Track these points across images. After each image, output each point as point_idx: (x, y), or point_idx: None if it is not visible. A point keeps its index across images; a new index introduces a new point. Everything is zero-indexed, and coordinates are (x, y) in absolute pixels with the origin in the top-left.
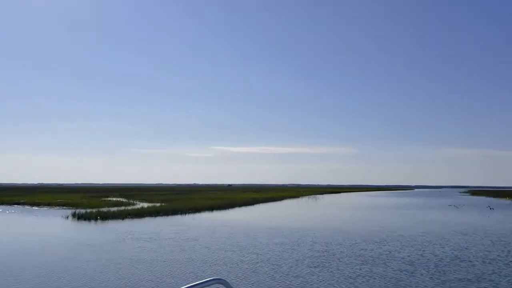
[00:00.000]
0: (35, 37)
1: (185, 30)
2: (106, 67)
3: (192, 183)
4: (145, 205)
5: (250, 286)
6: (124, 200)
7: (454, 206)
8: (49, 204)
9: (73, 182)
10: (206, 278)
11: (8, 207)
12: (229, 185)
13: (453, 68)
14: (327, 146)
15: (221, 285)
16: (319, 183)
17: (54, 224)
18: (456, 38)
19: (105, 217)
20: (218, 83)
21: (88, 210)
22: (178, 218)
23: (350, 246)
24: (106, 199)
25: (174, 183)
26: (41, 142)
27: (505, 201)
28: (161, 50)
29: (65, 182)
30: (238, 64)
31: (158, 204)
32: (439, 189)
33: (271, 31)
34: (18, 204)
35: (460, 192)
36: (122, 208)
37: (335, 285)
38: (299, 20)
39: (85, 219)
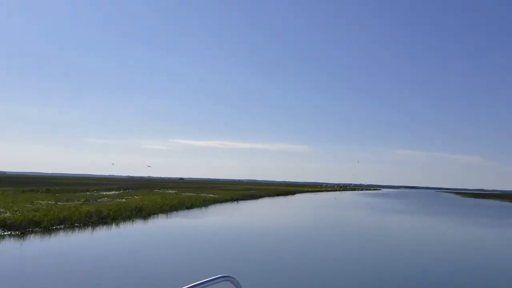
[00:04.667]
0: None
1: (142, 23)
2: (58, 55)
3: (147, 175)
4: None
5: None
6: None
7: None
8: None
9: (19, 171)
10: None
11: None
12: (181, 178)
13: (406, 73)
14: (283, 143)
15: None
16: (276, 180)
17: None
18: (420, 41)
19: None
20: (177, 77)
21: None
22: None
23: None
24: None
25: (127, 175)
26: None
27: None
28: (120, 43)
29: (12, 170)
30: (197, 58)
31: None
32: (397, 189)
33: (230, 26)
34: None
35: (459, 195)
36: None
37: None
38: (260, 15)
39: None
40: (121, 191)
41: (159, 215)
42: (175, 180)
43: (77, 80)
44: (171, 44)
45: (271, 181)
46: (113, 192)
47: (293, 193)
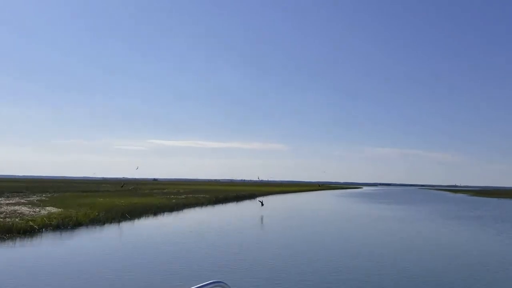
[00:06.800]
0: None
1: (114, 22)
2: (28, 54)
3: (122, 177)
4: None
5: None
6: None
7: None
8: None
9: None
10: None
11: None
12: (155, 179)
13: (382, 71)
14: (259, 142)
15: None
16: (252, 179)
17: None
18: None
19: None
20: (150, 76)
21: None
22: None
23: None
24: None
25: (102, 176)
26: None
27: None
28: (91, 43)
29: None
30: (171, 57)
31: None
32: (376, 186)
33: (205, 23)
34: None
35: (459, 193)
36: None
37: None
38: (234, 11)
39: None
40: None
41: None
42: (148, 181)
43: (47, 80)
44: (145, 43)
45: (248, 180)
46: None
47: (253, 196)
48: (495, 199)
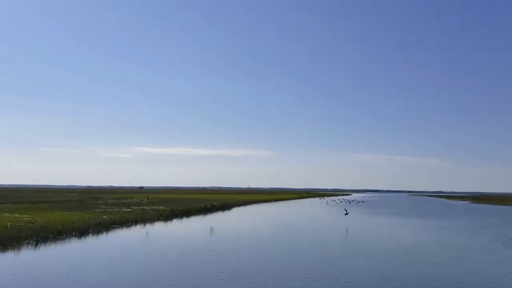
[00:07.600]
0: None
1: (99, 29)
2: (13, 63)
3: (108, 185)
4: None
5: None
6: None
7: None
8: None
9: None
10: None
11: None
12: (141, 187)
13: (366, 80)
14: (245, 148)
15: None
16: (241, 186)
17: None
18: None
19: None
20: (135, 83)
21: None
22: None
23: None
24: None
25: (87, 185)
26: None
27: None
28: (76, 51)
29: None
30: (156, 64)
31: None
32: (365, 193)
33: (191, 29)
34: None
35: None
36: None
37: None
38: (222, 17)
39: None
40: None
41: None
42: (134, 189)
43: (32, 88)
44: (132, 51)
45: (236, 187)
46: None
47: (229, 207)
48: (505, 207)
